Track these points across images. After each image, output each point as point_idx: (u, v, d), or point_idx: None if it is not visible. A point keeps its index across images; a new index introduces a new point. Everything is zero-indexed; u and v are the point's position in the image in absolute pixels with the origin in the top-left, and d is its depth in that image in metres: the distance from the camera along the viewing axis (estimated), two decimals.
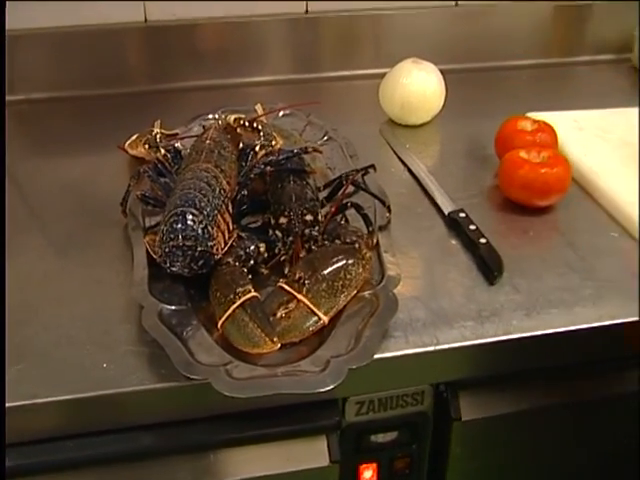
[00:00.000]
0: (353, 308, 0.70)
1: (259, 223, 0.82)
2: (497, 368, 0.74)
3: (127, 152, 0.98)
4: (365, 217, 0.81)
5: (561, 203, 0.90)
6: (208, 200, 0.73)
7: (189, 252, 0.70)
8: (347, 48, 1.25)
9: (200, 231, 0.70)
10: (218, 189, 0.76)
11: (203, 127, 0.94)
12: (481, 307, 0.74)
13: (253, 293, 0.68)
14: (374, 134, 1.10)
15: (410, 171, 0.99)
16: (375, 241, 0.78)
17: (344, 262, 0.70)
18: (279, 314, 0.68)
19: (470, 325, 0.71)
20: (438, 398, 0.76)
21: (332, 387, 0.61)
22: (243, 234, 0.76)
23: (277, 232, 0.77)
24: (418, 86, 1.08)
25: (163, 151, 0.90)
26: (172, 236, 0.70)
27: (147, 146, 0.93)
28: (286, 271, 0.75)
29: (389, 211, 0.84)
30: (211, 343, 0.66)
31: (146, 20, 1.18)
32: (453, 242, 0.85)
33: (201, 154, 0.82)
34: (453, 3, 1.26)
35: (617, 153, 0.99)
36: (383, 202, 0.85)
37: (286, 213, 0.78)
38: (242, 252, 0.74)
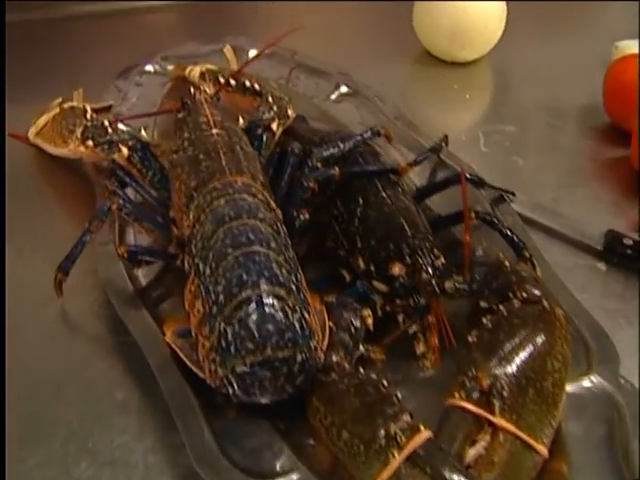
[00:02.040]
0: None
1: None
2: None
3: (44, 149, 0.64)
4: (508, 238, 0.52)
5: None
6: (284, 258, 0.43)
7: (284, 368, 0.39)
8: None
9: (297, 326, 0.40)
10: (279, 227, 0.46)
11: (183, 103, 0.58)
12: None
13: (425, 431, 0.38)
14: (404, 75, 0.81)
15: None
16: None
17: (544, 343, 0.43)
18: (469, 458, 0.40)
19: None
20: None
21: None
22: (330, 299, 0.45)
23: (377, 284, 0.46)
24: (477, 9, 0.79)
25: (125, 150, 0.55)
26: (251, 346, 0.39)
27: (91, 142, 0.57)
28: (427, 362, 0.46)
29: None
30: None
31: None
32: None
33: (219, 157, 0.50)
34: None
35: None
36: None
37: (403, 257, 0.47)
38: (346, 335, 0.43)
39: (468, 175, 0.56)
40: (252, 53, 0.70)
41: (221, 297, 0.40)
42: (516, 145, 0.69)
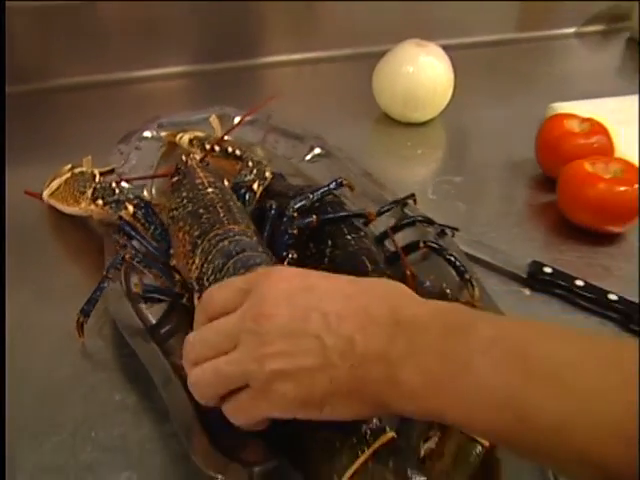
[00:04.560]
0: None
1: None
2: None
3: (57, 207, 0.72)
4: (452, 262, 0.62)
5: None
6: None
7: None
8: (315, 24, 1.04)
9: None
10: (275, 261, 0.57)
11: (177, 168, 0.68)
12: None
13: (390, 432, 0.47)
14: (365, 135, 0.92)
15: None
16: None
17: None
18: (423, 451, 0.49)
19: None
20: None
21: None
22: None
23: None
24: (426, 77, 0.89)
25: (131, 208, 0.65)
26: None
27: (101, 201, 0.66)
28: None
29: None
30: None
31: None
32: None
33: (216, 211, 0.60)
34: None
35: None
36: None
37: None
38: None
39: (420, 217, 0.67)
40: (237, 119, 0.80)
41: None
42: (460, 193, 0.79)
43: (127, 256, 0.58)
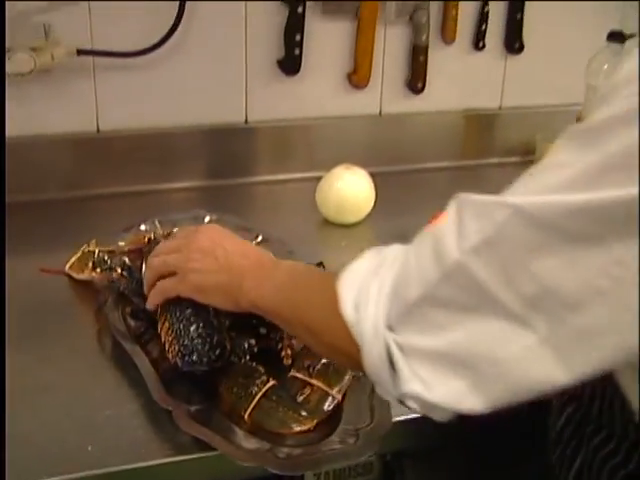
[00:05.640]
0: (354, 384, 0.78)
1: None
2: (441, 439, 0.80)
3: (69, 276, 1.00)
4: None
5: None
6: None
7: (208, 339, 0.76)
8: (283, 154, 1.37)
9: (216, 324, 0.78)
10: None
11: (149, 240, 0.98)
12: None
13: (272, 382, 0.76)
14: (311, 233, 1.19)
15: None
16: None
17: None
18: (298, 400, 0.76)
19: None
20: (385, 468, 0.84)
21: (372, 454, 0.70)
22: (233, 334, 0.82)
23: (262, 329, 0.83)
24: (350, 189, 1.19)
25: (119, 270, 0.93)
26: (191, 328, 0.77)
27: (98, 269, 0.95)
28: (286, 361, 0.81)
29: None
30: (243, 433, 0.72)
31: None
32: None
33: None
34: (377, 112, 1.40)
35: None
36: None
37: None
38: (239, 349, 0.81)
39: None
40: (207, 219, 1.08)
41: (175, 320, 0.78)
42: None
43: (122, 287, 0.89)
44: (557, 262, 0.47)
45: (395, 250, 0.58)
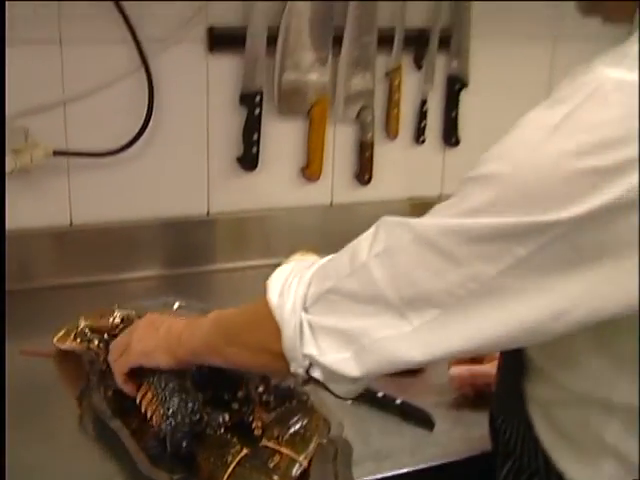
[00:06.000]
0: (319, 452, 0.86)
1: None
2: None
3: (57, 347, 1.09)
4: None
5: None
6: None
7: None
8: (242, 243, 1.47)
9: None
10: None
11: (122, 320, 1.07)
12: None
13: (245, 451, 0.84)
14: None
15: None
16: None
17: (307, 417, 0.88)
18: (269, 466, 0.82)
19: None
20: None
21: None
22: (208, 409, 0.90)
23: (234, 404, 0.92)
24: None
25: (96, 341, 1.03)
26: (174, 395, 0.86)
27: (79, 339, 1.05)
28: (257, 432, 0.89)
29: None
30: None
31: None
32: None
33: None
34: (328, 203, 1.52)
35: None
36: None
37: (242, 387, 0.93)
38: (214, 423, 0.88)
39: None
40: (176, 305, 1.18)
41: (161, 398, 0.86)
42: None
43: (102, 363, 0.97)
44: (429, 273, 0.60)
45: (316, 257, 0.75)
